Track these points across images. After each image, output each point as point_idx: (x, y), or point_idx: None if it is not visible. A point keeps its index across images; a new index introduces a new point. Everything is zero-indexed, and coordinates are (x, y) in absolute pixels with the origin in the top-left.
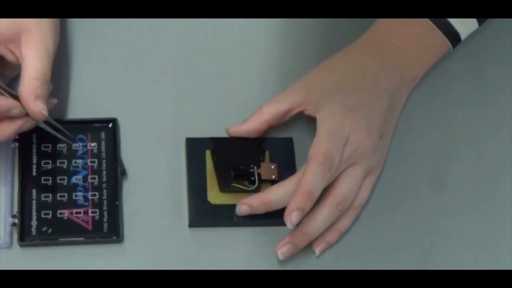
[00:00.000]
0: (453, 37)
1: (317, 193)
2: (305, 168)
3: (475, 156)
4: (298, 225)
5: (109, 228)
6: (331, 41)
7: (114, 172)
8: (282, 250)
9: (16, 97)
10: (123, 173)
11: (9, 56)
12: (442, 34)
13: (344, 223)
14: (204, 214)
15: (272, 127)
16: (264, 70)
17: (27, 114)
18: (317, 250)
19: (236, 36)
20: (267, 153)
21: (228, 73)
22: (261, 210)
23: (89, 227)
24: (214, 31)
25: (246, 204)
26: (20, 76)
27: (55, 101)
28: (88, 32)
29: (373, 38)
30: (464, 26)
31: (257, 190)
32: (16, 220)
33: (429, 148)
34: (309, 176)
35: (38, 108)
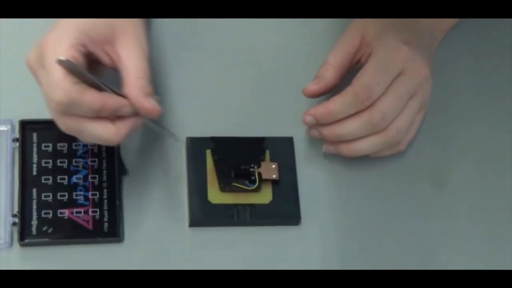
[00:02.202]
0: None
1: (338, 116)
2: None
3: (477, 155)
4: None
5: (109, 228)
6: (333, 41)
7: (115, 172)
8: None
9: (122, 97)
10: (124, 172)
11: (105, 59)
12: None
13: (379, 147)
14: (204, 214)
15: (343, 78)
16: (263, 69)
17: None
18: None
19: (235, 36)
20: (267, 153)
21: (229, 72)
22: (326, 119)
23: (90, 226)
24: (214, 30)
25: (312, 115)
26: (123, 77)
27: (158, 97)
28: None
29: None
30: None
31: (257, 190)
32: (16, 220)
33: (430, 146)
34: (339, 100)
35: (152, 104)
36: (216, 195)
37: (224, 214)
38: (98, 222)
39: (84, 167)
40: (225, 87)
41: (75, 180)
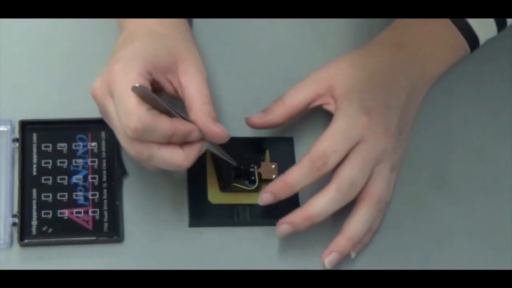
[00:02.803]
0: (472, 41)
1: (297, 188)
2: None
3: (477, 155)
4: (340, 231)
5: (109, 228)
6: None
7: (115, 172)
8: (329, 259)
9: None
10: (124, 172)
11: (167, 87)
12: (461, 36)
13: (375, 222)
14: (204, 214)
15: (292, 119)
16: (263, 69)
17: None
18: (354, 253)
19: (233, 36)
20: (267, 153)
21: (227, 73)
22: (285, 193)
23: (89, 227)
24: (209, 31)
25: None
26: (188, 103)
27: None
28: (88, 29)
29: (392, 35)
30: (484, 30)
31: (257, 190)
32: (16, 220)
33: (430, 147)
34: (296, 170)
35: (221, 129)
36: (216, 195)
37: (224, 214)
38: (98, 222)
39: (84, 167)
40: (224, 87)
41: (75, 180)
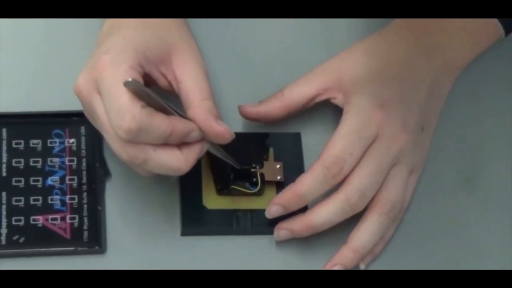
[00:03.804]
0: (508, 22)
1: (309, 198)
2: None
3: (510, 156)
4: (346, 241)
5: (90, 237)
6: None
7: (96, 173)
8: None
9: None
10: (106, 173)
11: (161, 81)
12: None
13: (388, 231)
14: (199, 221)
15: (292, 114)
16: (261, 67)
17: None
18: (363, 264)
19: (232, 35)
20: (271, 151)
21: (223, 68)
22: (296, 204)
23: (67, 235)
24: (208, 29)
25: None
26: (184, 99)
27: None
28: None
29: (410, 21)
30: None
31: (259, 193)
32: None
33: (461, 145)
34: (308, 178)
35: (224, 128)
36: (212, 200)
37: (221, 222)
38: (76, 231)
39: (61, 167)
40: (219, 82)
41: (51, 182)
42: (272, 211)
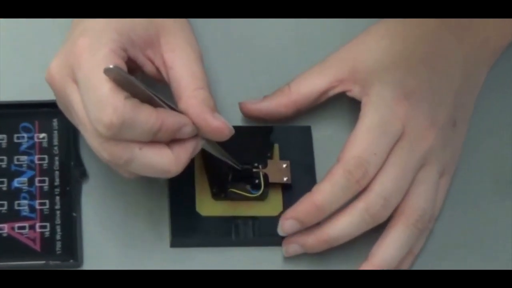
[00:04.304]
0: None
1: (330, 209)
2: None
3: None
4: (368, 256)
5: (63, 248)
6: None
7: (71, 173)
8: None
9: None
10: (83, 174)
11: (148, 67)
12: None
13: (417, 243)
14: (191, 230)
15: (301, 111)
16: (260, 66)
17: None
18: None
19: (232, 34)
20: (276, 147)
21: (220, 65)
22: (314, 218)
23: (37, 247)
24: (209, 30)
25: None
26: (175, 88)
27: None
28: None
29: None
30: None
31: (262, 198)
32: None
33: (494, 142)
34: (327, 186)
35: (222, 122)
36: (207, 205)
37: (217, 231)
38: (48, 241)
39: (29, 167)
40: (221, 69)
41: (17, 184)
42: (286, 227)
